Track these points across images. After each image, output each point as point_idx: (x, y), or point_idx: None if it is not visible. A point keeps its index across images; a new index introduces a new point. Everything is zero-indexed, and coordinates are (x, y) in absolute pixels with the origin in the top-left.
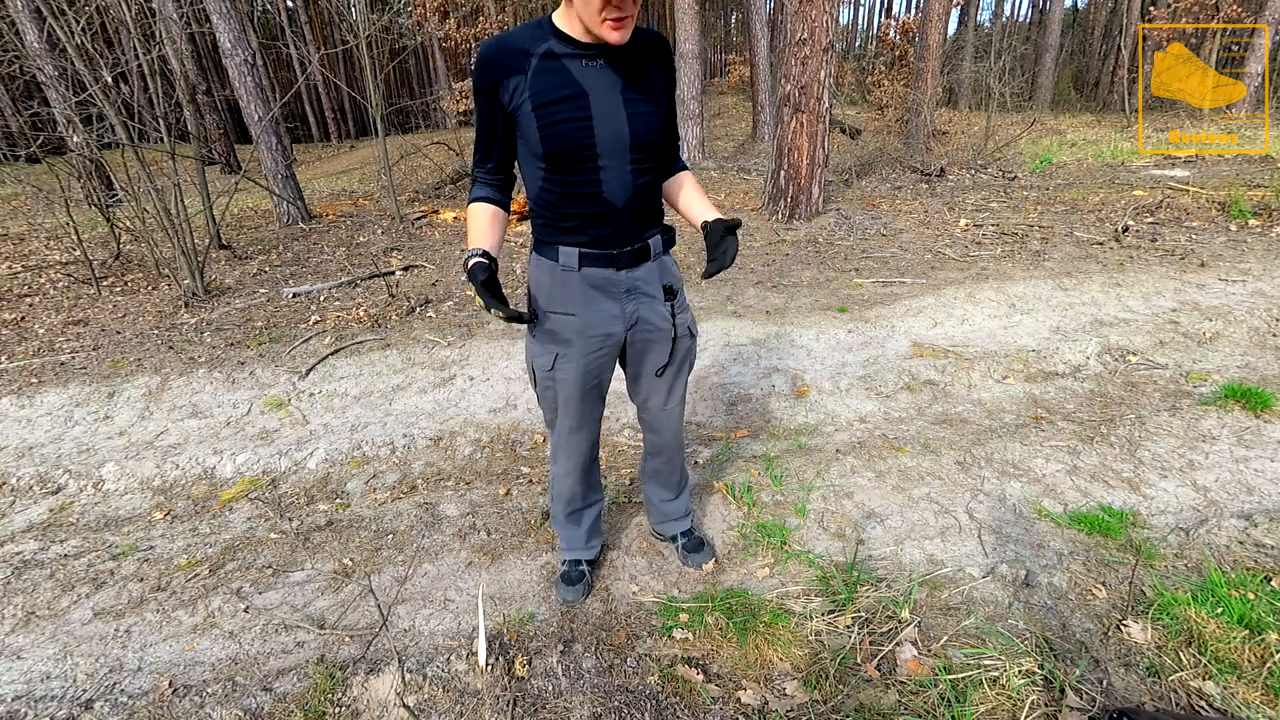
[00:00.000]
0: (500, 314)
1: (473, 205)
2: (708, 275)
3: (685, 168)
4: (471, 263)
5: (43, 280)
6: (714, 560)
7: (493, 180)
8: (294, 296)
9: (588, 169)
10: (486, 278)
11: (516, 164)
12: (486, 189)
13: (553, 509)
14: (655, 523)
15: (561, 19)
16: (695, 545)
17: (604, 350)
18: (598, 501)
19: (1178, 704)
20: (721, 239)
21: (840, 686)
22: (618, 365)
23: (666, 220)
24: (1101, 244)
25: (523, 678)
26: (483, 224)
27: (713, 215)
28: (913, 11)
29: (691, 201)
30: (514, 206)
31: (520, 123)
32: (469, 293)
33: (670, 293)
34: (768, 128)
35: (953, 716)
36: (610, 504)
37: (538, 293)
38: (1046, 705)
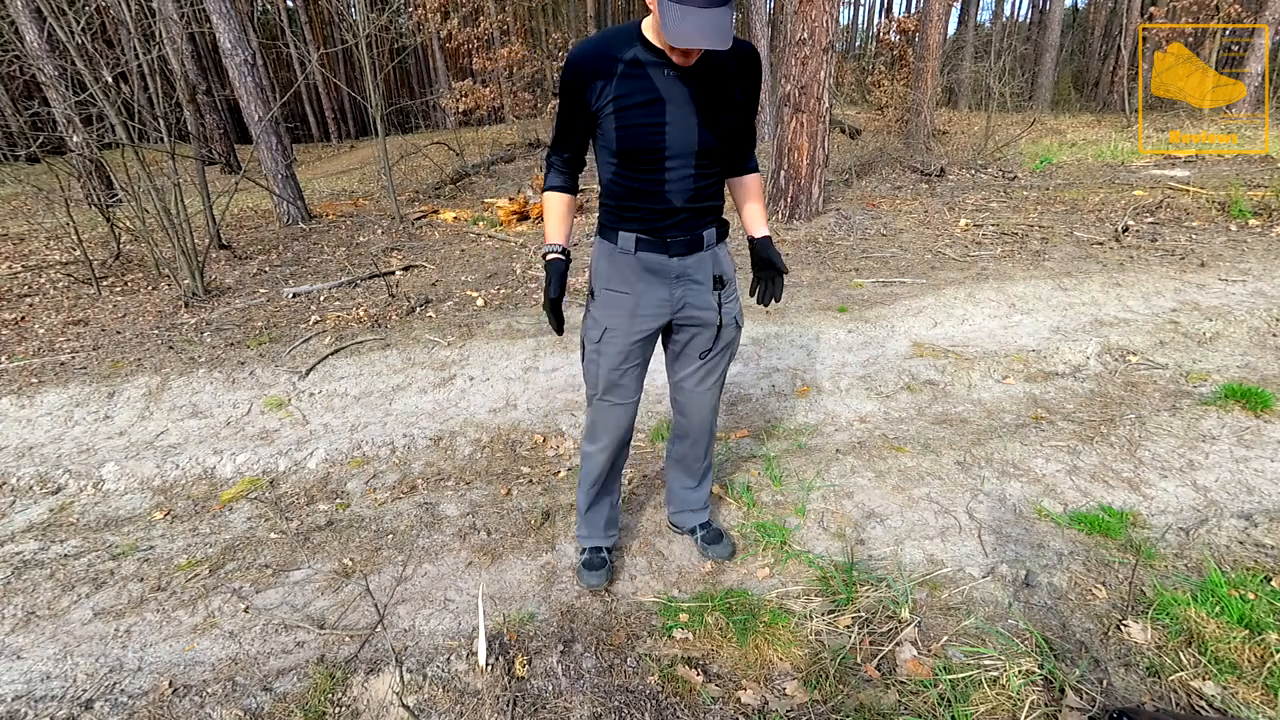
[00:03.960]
0: (549, 317)
1: (549, 195)
2: (761, 303)
3: (755, 169)
4: (550, 256)
5: (43, 280)
6: (734, 552)
7: (567, 167)
8: (294, 296)
9: (655, 170)
10: (557, 276)
11: (591, 152)
12: (561, 176)
13: (580, 493)
14: (673, 512)
15: (648, 27)
16: (714, 537)
17: (648, 330)
18: (617, 490)
19: (1178, 704)
20: (762, 271)
21: (840, 686)
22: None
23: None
24: (1101, 244)
25: (523, 678)
26: (558, 214)
27: (760, 231)
28: (912, 11)
29: (747, 207)
30: (514, 206)
31: (601, 122)
32: (471, 293)
33: (719, 282)
34: (768, 128)
35: (953, 716)
36: None
37: (597, 271)
38: (1046, 705)
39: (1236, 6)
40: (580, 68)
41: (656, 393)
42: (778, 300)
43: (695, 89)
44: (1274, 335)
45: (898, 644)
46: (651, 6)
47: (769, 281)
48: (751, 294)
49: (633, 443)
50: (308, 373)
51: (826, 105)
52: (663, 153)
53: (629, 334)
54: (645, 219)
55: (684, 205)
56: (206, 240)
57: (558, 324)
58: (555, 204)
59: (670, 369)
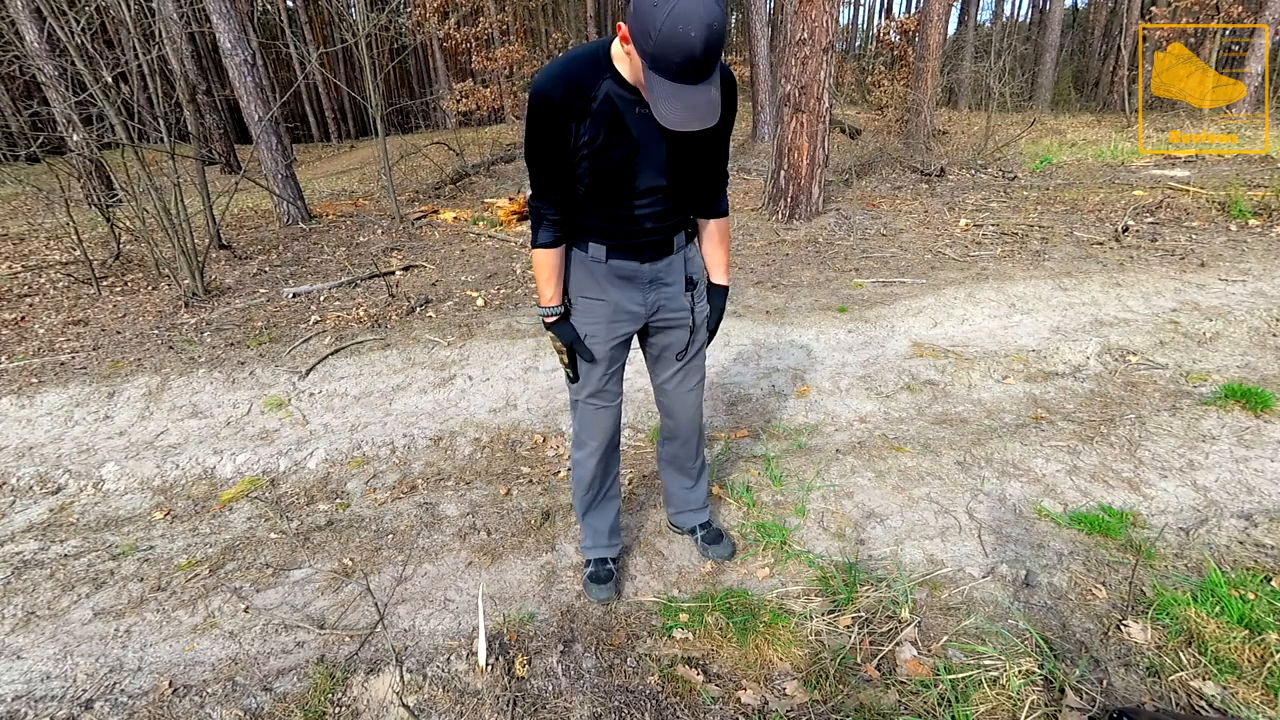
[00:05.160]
0: (572, 370)
1: (542, 253)
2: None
3: (724, 213)
4: (551, 320)
5: (43, 280)
6: (734, 552)
7: (559, 216)
8: (294, 296)
9: (624, 202)
10: (578, 339)
11: None
12: (552, 231)
13: (576, 502)
14: (673, 514)
15: (619, 59)
16: (715, 537)
17: (626, 333)
18: (616, 496)
19: (1178, 704)
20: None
21: (840, 686)
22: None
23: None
24: (1101, 244)
25: (523, 678)
26: (554, 272)
27: (721, 279)
28: (912, 10)
29: (711, 252)
30: (514, 206)
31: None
32: (471, 293)
33: (691, 283)
34: (768, 128)
35: (953, 716)
36: None
37: (570, 280)
38: (1046, 705)
39: (1237, 6)
40: (554, 105)
41: None
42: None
43: (668, 130)
44: (1274, 335)
45: (898, 644)
46: (630, 57)
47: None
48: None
49: (634, 443)
50: (308, 373)
51: (826, 105)
52: (633, 191)
53: (608, 339)
54: (615, 235)
55: (654, 226)
56: (206, 240)
57: (578, 374)
58: (550, 262)
59: (652, 373)
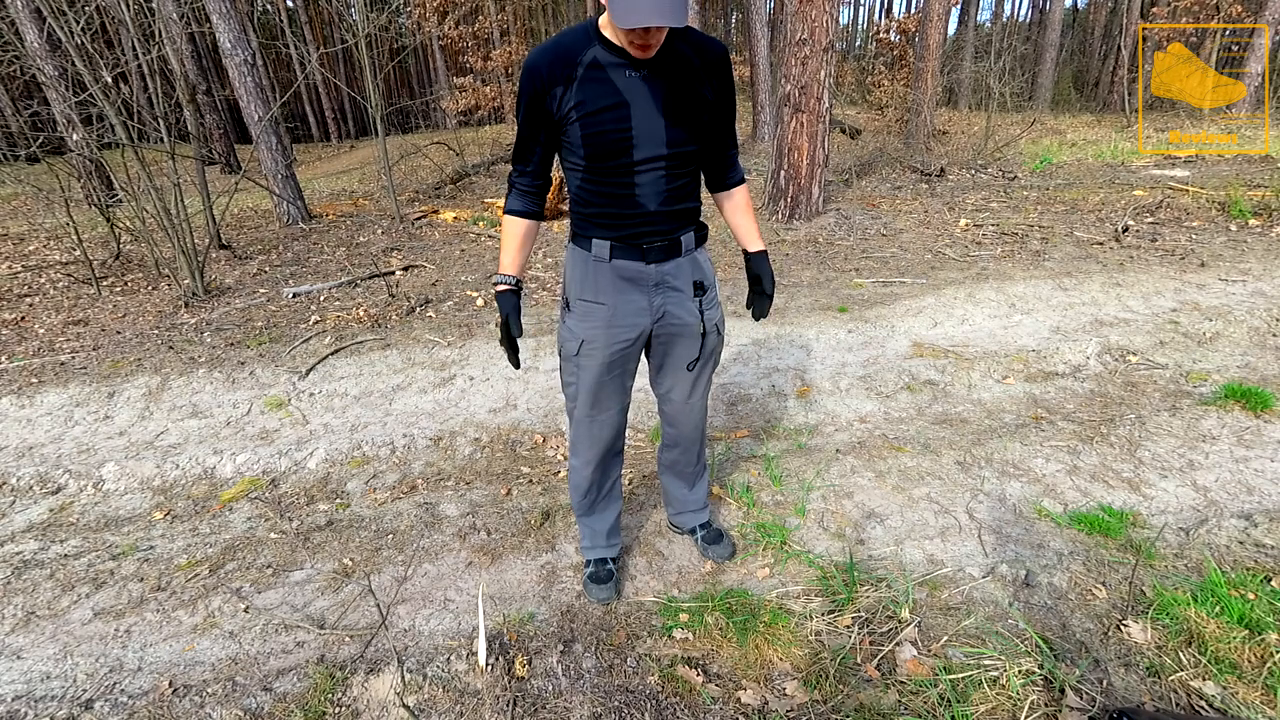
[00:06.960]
0: (507, 353)
1: (508, 219)
2: (758, 318)
3: (742, 181)
4: (501, 289)
5: (43, 280)
6: (734, 552)
7: (531, 188)
8: (294, 296)
9: (624, 175)
10: (512, 312)
11: (556, 162)
12: (523, 199)
13: (573, 504)
14: (673, 514)
15: (605, 25)
16: (714, 537)
17: (629, 341)
18: (617, 499)
19: (1178, 704)
20: (754, 286)
21: (840, 686)
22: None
23: (704, 218)
24: (1101, 244)
25: (523, 678)
26: (517, 241)
27: (756, 245)
28: (912, 11)
29: (738, 222)
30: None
31: (566, 130)
32: (471, 293)
33: (700, 288)
34: (768, 128)
35: (953, 716)
36: None
37: (570, 280)
38: (1046, 705)
39: (1237, 6)
40: (538, 74)
41: None
42: (764, 316)
43: (660, 89)
44: (1274, 335)
45: (898, 644)
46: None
47: (759, 298)
48: (748, 306)
49: (634, 442)
50: (308, 373)
51: (826, 105)
52: (631, 157)
53: (608, 345)
54: (618, 225)
55: (657, 209)
56: (206, 240)
57: (516, 358)
58: (513, 230)
59: (655, 382)
